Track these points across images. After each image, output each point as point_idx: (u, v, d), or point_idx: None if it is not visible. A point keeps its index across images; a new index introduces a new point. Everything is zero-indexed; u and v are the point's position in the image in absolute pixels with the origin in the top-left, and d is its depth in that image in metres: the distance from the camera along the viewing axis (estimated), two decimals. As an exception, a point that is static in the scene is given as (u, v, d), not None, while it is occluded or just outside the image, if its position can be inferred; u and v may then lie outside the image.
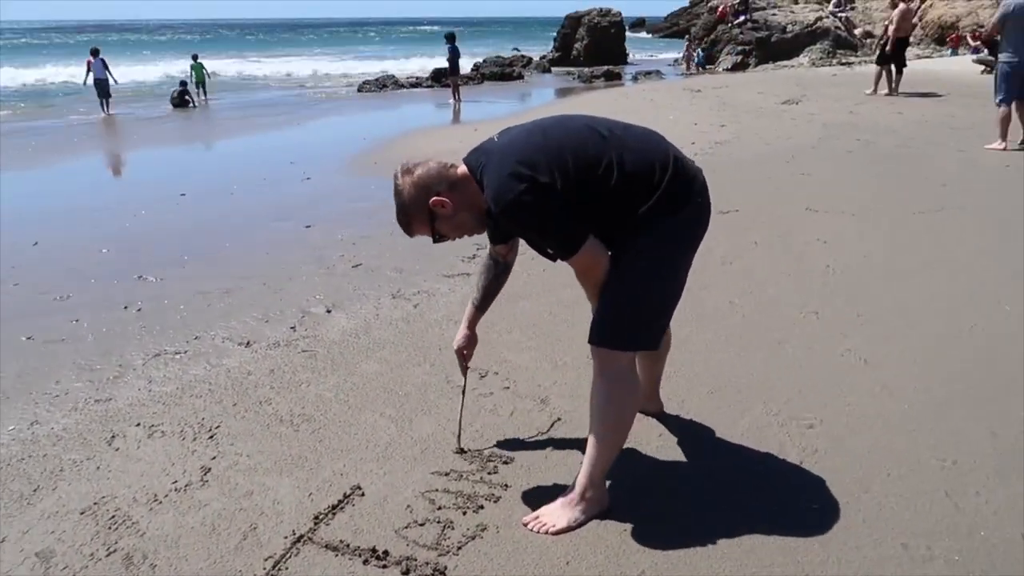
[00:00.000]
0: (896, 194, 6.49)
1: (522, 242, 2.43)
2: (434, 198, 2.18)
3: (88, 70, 16.76)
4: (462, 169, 2.24)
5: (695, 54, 25.86)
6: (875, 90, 13.77)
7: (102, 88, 16.55)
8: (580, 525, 2.26)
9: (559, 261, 2.24)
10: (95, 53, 16.85)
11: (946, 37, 23.44)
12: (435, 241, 2.30)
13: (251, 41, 66.80)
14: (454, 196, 2.20)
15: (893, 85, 13.54)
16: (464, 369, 2.73)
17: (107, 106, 16.58)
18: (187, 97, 18.06)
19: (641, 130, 2.28)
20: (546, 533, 2.25)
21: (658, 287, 2.20)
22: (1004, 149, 8.16)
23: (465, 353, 2.68)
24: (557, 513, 2.29)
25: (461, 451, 2.69)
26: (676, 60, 29.53)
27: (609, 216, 2.15)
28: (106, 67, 16.75)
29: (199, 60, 20.19)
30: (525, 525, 2.29)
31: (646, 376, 2.71)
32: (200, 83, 19.62)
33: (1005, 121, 8.20)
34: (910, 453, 2.61)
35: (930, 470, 2.51)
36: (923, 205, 6.00)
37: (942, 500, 2.35)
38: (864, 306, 3.97)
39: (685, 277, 2.29)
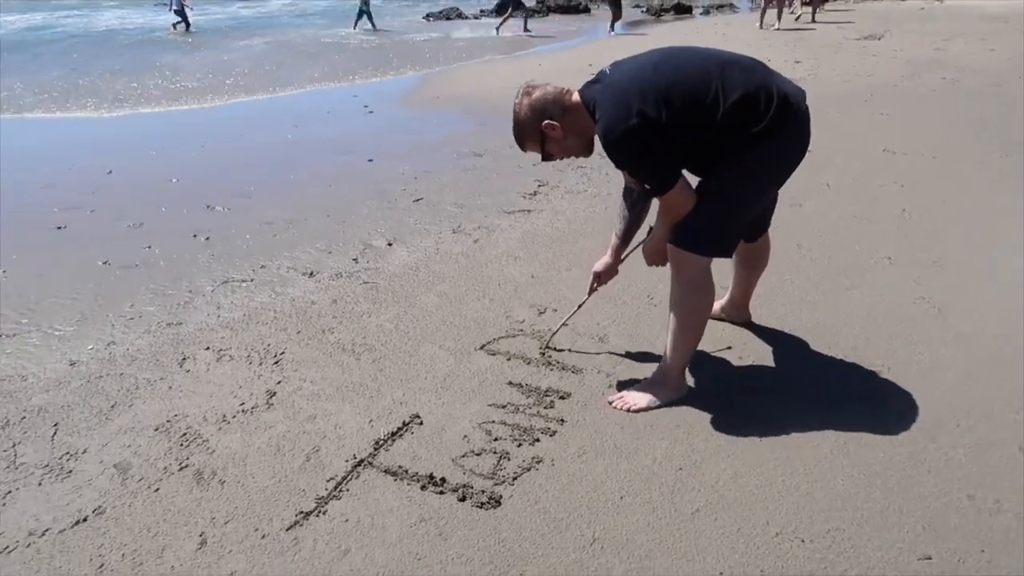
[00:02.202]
0: (981, 136, 6.14)
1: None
2: (546, 122, 2.36)
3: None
4: (576, 97, 2.38)
5: None
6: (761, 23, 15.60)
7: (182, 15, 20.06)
8: (658, 407, 2.53)
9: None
10: None
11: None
12: (543, 159, 2.49)
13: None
14: (565, 121, 2.36)
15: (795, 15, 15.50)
16: (591, 291, 2.90)
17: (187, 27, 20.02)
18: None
19: (748, 63, 2.35)
20: (627, 410, 2.52)
21: (742, 208, 2.40)
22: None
23: (601, 277, 2.85)
24: (638, 395, 2.57)
25: (543, 352, 2.93)
26: None
27: (713, 145, 2.28)
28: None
29: None
30: (610, 403, 2.57)
31: (740, 287, 3.02)
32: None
33: None
34: (982, 404, 2.52)
35: (1002, 422, 2.42)
36: (1009, 148, 5.67)
37: (1014, 454, 2.27)
38: (941, 252, 3.80)
39: (767, 200, 2.57)
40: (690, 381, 2.63)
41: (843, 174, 5.13)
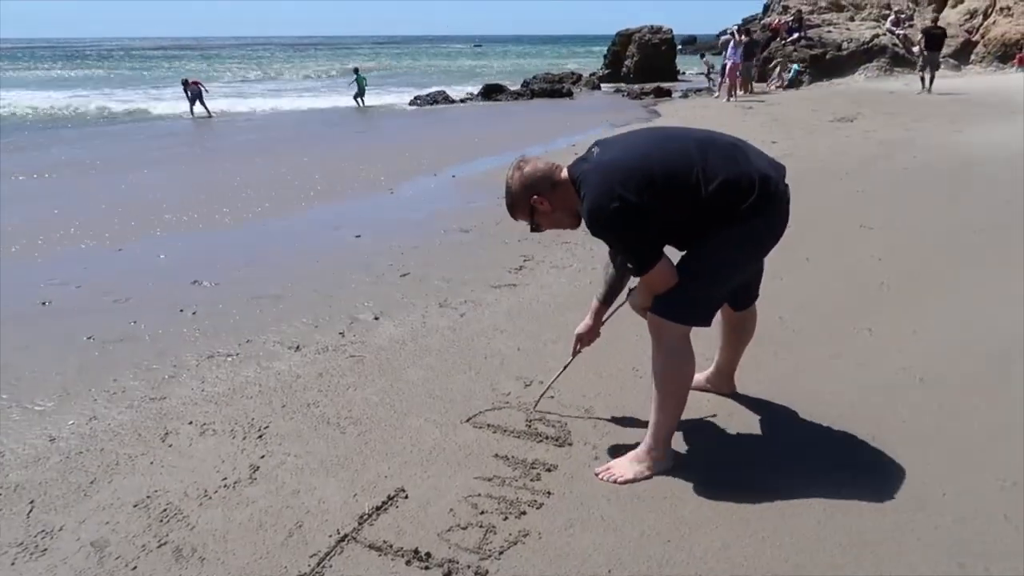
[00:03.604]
0: (954, 210, 6.32)
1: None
2: (535, 197, 2.47)
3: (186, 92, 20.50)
4: (565, 174, 2.49)
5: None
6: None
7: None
8: (645, 478, 2.52)
9: None
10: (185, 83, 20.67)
11: (1011, 55, 22.49)
12: (532, 230, 2.61)
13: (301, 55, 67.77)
14: (554, 197, 2.48)
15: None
16: (575, 353, 2.98)
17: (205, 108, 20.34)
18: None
19: (728, 146, 2.45)
20: (614, 482, 2.51)
21: (720, 280, 2.47)
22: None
23: (583, 340, 2.93)
24: (625, 466, 2.56)
25: (528, 424, 2.93)
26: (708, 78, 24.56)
27: (693, 225, 2.38)
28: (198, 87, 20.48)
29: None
30: (596, 475, 2.55)
31: (725, 357, 3.05)
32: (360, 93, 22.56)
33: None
34: (968, 473, 2.52)
35: (989, 491, 2.42)
36: (983, 222, 5.83)
37: (1001, 522, 2.26)
38: (920, 323, 3.86)
39: (748, 272, 2.63)
40: (677, 451, 2.62)
41: (822, 249, 5.24)
